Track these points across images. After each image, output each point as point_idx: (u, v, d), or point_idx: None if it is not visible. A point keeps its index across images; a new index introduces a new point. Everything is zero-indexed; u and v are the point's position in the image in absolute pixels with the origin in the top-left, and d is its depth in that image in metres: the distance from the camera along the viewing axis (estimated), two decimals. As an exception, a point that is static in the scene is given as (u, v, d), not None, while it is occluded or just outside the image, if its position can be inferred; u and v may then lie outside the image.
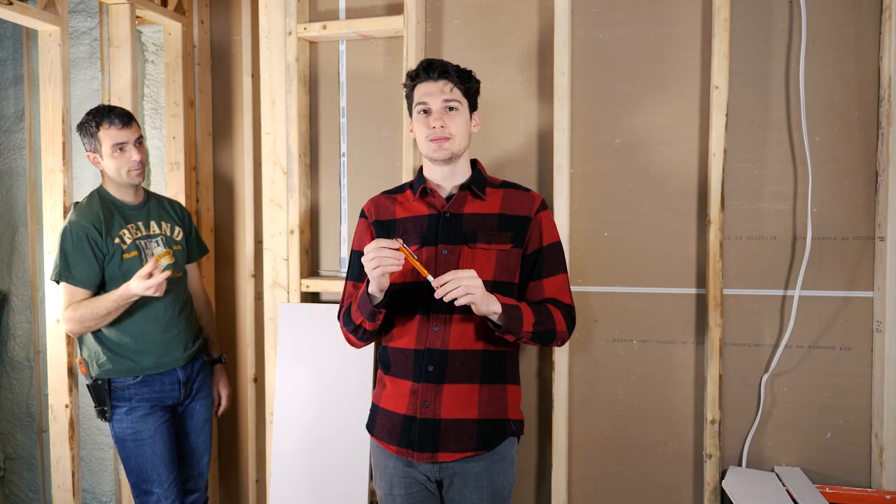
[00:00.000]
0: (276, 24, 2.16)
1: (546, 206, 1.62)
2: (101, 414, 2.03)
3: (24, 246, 2.90)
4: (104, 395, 2.02)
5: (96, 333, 2.01)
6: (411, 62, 2.02)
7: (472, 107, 1.59)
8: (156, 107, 2.69)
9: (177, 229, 2.18)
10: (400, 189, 1.68)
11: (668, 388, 1.97)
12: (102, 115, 2.00)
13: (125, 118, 2.02)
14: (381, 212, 1.65)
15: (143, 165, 2.06)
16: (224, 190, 2.62)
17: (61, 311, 1.98)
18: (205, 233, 2.59)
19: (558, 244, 1.62)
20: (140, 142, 2.05)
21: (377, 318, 1.49)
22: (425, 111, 1.55)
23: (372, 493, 2.09)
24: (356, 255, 1.64)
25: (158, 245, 2.09)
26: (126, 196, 2.08)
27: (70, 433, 2.16)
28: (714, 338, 1.88)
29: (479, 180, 1.61)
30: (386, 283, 1.44)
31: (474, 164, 1.66)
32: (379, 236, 1.60)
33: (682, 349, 1.96)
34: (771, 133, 1.88)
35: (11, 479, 2.98)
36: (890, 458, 1.78)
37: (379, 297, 1.46)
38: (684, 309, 1.95)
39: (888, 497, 1.76)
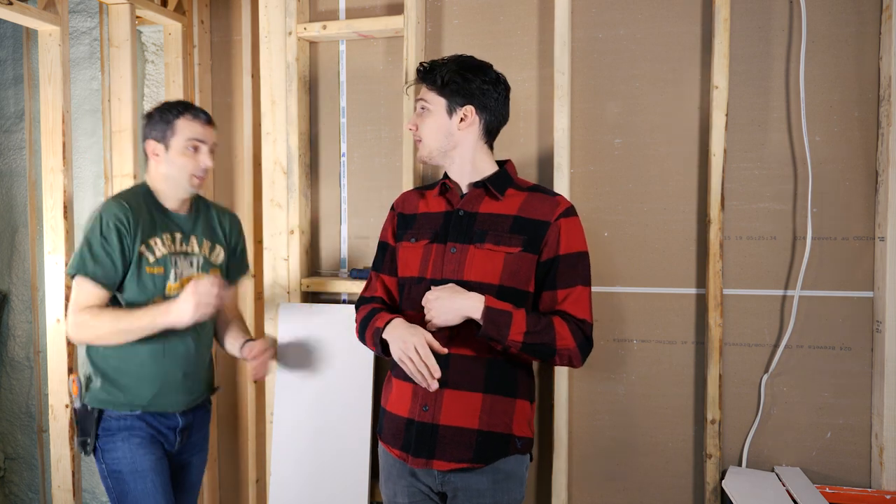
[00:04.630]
0: (276, 24, 2.16)
1: (572, 212, 1.52)
2: (82, 445, 1.76)
3: (24, 246, 2.90)
4: (90, 424, 1.74)
5: (94, 355, 1.74)
6: (411, 62, 2.03)
7: (459, 102, 1.51)
8: (156, 107, 2.69)
9: (218, 248, 1.90)
10: (432, 185, 1.66)
11: (667, 388, 1.97)
12: (187, 106, 1.78)
13: (210, 117, 1.81)
14: (407, 205, 1.65)
15: (207, 176, 1.81)
16: (224, 190, 2.62)
17: (70, 310, 1.67)
18: (205, 233, 2.59)
19: (580, 254, 1.50)
20: (213, 150, 1.81)
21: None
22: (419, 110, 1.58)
23: (372, 494, 2.09)
24: (381, 247, 1.68)
25: (191, 267, 1.81)
26: (173, 203, 1.81)
27: (70, 433, 2.16)
28: (714, 338, 1.88)
29: (499, 180, 1.55)
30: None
31: (503, 163, 1.60)
32: (399, 228, 1.63)
33: (682, 349, 1.96)
34: (771, 133, 1.88)
35: (11, 479, 2.98)
36: (890, 458, 1.78)
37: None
38: (684, 309, 1.95)
39: (888, 497, 1.76)
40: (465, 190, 1.57)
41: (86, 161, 2.74)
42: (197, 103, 2.56)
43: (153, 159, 1.78)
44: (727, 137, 1.87)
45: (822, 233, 1.85)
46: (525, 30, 2.03)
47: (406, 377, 1.53)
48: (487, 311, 1.39)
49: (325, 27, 2.12)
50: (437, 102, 1.53)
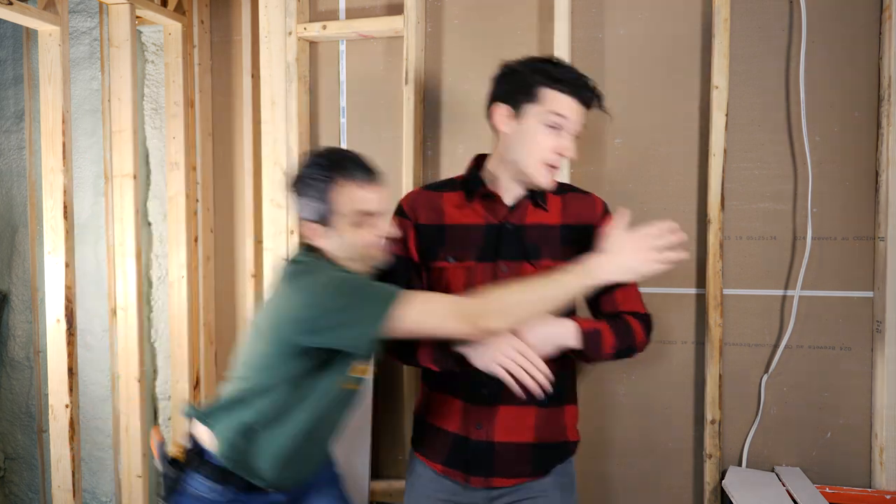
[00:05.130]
0: (276, 24, 2.16)
1: (608, 209, 1.49)
2: (172, 485, 1.40)
3: (24, 246, 2.90)
4: (190, 465, 1.40)
5: (253, 432, 1.37)
6: (411, 62, 2.03)
7: None
8: (156, 107, 2.69)
9: None
10: (446, 185, 1.51)
11: (668, 388, 1.97)
12: (342, 162, 1.34)
13: (373, 171, 1.37)
14: (427, 213, 1.46)
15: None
16: (224, 190, 2.62)
17: (447, 313, 1.25)
18: (204, 232, 2.59)
19: None
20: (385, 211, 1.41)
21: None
22: (557, 126, 1.36)
23: (372, 494, 2.08)
24: (402, 263, 1.48)
25: None
26: (356, 268, 1.40)
27: (70, 433, 2.16)
28: (714, 338, 1.88)
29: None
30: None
31: None
32: (424, 243, 1.45)
33: (682, 349, 1.96)
34: (771, 133, 1.88)
35: (11, 479, 2.98)
36: (890, 458, 1.78)
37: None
38: (684, 309, 1.95)
39: (888, 497, 1.76)
40: (513, 200, 1.44)
41: (86, 161, 2.74)
42: (197, 103, 2.56)
43: (314, 237, 1.41)
44: (727, 137, 1.87)
45: (822, 233, 1.85)
46: (525, 30, 2.03)
47: (451, 391, 1.45)
48: (584, 335, 1.34)
49: (325, 27, 2.12)
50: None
